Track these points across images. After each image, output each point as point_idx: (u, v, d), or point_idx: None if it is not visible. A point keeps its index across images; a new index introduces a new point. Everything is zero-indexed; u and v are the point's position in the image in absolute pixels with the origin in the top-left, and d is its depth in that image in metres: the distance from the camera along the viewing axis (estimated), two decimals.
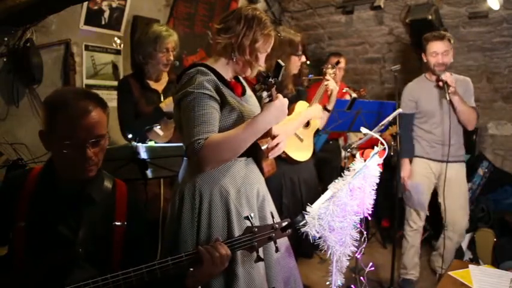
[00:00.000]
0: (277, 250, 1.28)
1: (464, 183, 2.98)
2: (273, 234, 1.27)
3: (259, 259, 1.26)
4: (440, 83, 2.73)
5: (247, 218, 1.28)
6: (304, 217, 1.23)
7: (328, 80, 2.55)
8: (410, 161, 3.04)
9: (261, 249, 1.55)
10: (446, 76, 2.69)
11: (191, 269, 1.24)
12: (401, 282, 3.06)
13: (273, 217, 1.33)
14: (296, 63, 2.50)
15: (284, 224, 1.28)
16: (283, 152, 2.38)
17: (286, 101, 1.48)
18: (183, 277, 1.26)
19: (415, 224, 3.04)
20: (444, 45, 2.80)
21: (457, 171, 2.93)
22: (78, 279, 1.17)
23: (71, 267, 1.22)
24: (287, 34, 2.46)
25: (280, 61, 1.37)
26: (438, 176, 2.97)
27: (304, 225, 1.22)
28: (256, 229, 1.26)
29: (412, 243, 3.06)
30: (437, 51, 2.80)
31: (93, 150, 1.26)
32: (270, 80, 1.34)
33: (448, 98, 2.67)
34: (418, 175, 3.01)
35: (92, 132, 1.25)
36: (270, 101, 1.40)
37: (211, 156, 1.41)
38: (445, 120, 2.83)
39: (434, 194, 3.05)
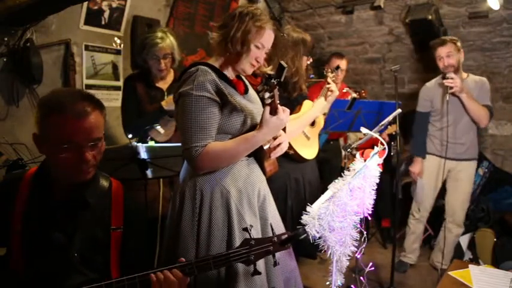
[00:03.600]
0: (275, 264, 1.22)
1: (472, 180, 3.16)
2: (271, 248, 1.21)
3: (255, 272, 1.20)
4: (445, 82, 2.88)
5: (245, 229, 1.24)
6: (305, 231, 1.22)
7: (329, 84, 2.55)
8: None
9: None
10: (450, 76, 2.85)
11: None
12: (397, 263, 3.14)
13: (272, 229, 1.28)
14: (305, 63, 2.50)
15: (283, 237, 1.22)
16: (292, 148, 2.39)
17: (286, 117, 1.47)
18: None
19: (417, 214, 3.30)
20: (447, 49, 2.94)
21: (466, 170, 3.09)
22: (74, 284, 1.15)
23: (67, 273, 1.21)
24: (299, 34, 2.45)
25: (282, 62, 1.36)
26: (448, 173, 3.12)
27: (305, 238, 1.20)
28: (253, 242, 1.21)
29: (413, 231, 3.32)
30: (441, 55, 2.97)
31: (91, 152, 1.24)
32: (273, 81, 1.33)
33: (447, 98, 2.86)
34: (428, 172, 3.17)
35: (90, 135, 1.22)
36: (272, 101, 1.40)
37: (207, 164, 1.48)
38: (457, 119, 3.00)
39: (444, 189, 3.22)
